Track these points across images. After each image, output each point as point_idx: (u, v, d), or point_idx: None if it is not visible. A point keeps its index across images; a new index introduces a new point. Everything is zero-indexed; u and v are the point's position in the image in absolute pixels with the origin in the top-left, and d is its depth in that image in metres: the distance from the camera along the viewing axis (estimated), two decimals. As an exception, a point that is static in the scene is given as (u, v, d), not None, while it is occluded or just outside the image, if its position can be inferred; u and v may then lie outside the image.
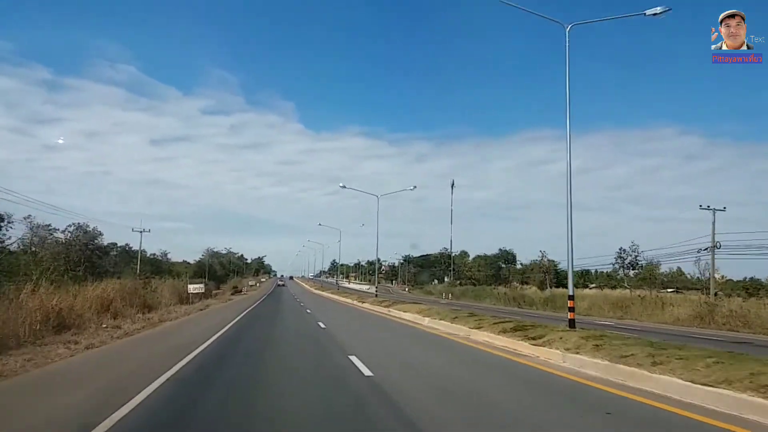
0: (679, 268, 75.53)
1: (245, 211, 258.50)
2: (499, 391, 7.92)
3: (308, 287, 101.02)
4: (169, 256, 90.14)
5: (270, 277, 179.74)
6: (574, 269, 16.31)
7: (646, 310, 33.40)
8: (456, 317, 18.28)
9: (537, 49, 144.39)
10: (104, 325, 15.62)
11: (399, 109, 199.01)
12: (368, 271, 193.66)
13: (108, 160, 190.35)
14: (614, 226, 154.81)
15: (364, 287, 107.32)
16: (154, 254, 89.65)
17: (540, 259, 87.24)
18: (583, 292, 52.06)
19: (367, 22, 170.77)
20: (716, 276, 48.78)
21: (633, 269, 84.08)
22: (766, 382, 6.36)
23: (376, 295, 42.75)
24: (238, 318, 22.80)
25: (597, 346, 9.89)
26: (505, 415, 6.51)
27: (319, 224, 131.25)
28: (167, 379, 7.96)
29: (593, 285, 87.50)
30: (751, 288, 47.26)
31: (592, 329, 13.67)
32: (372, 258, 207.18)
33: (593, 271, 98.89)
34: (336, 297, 50.44)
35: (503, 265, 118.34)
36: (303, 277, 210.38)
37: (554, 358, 10.42)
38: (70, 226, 53.04)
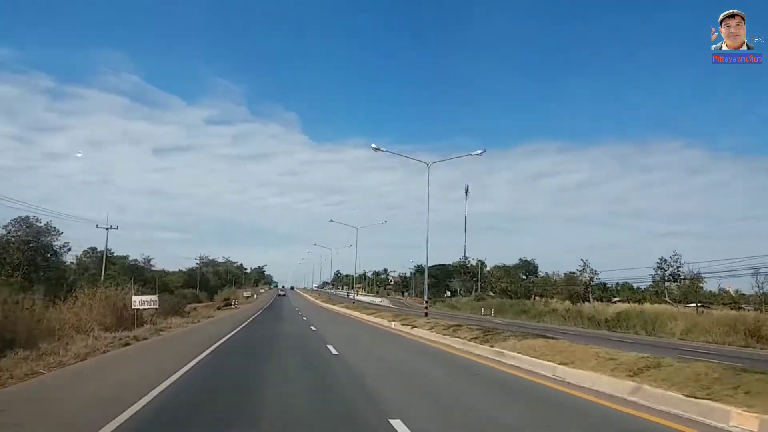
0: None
1: (247, 222, 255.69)
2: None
3: (313, 299, 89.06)
4: (153, 262, 78.57)
5: (270, 288, 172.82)
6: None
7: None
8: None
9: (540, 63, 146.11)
10: None
11: (402, 120, 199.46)
12: (375, 282, 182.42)
13: (109, 168, 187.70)
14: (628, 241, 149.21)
15: (376, 300, 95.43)
16: (136, 260, 78.05)
17: (581, 269, 75.18)
18: (670, 310, 40.57)
19: (370, 36, 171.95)
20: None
21: (674, 281, 73.49)
22: None
23: (426, 314, 29.39)
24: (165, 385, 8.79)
25: None
26: None
27: (315, 244, 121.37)
28: None
29: (617, 299, 78.92)
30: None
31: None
32: (377, 269, 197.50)
33: (613, 284, 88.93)
34: (360, 316, 34.61)
35: (524, 276, 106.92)
36: (305, 288, 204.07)
37: None
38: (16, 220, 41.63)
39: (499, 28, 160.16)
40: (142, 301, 19.90)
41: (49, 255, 42.52)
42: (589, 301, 69.53)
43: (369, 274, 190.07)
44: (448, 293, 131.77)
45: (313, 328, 24.39)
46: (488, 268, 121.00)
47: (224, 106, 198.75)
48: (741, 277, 71.65)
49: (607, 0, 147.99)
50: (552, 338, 13.27)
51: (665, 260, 68.89)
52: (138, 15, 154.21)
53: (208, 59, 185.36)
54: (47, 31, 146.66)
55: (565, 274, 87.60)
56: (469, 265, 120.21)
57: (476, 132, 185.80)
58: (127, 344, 14.07)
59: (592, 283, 74.87)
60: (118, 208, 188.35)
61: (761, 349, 23.81)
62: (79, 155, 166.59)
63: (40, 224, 42.94)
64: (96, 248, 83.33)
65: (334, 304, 55.79)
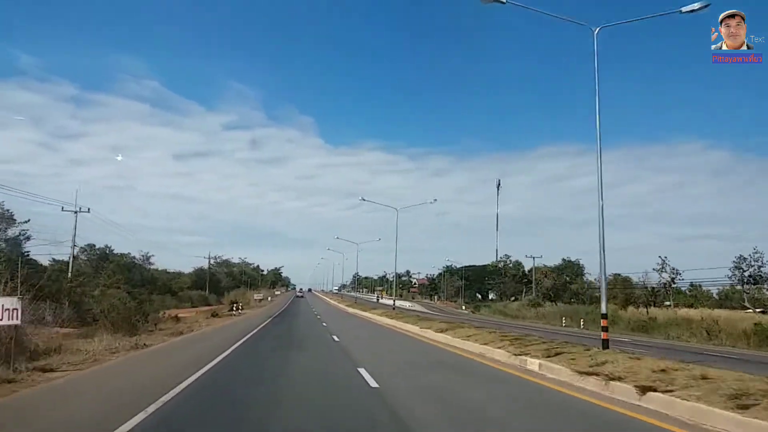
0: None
1: (264, 225, 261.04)
2: None
3: (335, 303, 77.93)
4: (152, 260, 68.13)
5: (288, 290, 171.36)
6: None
7: None
8: None
9: (558, 63, 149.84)
10: None
11: (418, 123, 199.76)
12: (398, 285, 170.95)
13: (131, 173, 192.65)
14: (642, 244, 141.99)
15: (406, 304, 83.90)
16: (134, 258, 67.75)
17: (659, 267, 62.48)
18: None
19: (386, 40, 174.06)
20: None
21: (755, 283, 61.19)
22: None
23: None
24: None
25: None
26: None
27: (337, 237, 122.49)
28: None
29: (668, 303, 65.97)
30: None
31: None
32: (398, 271, 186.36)
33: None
34: (421, 332, 22.38)
35: (567, 278, 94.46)
36: (323, 290, 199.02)
37: None
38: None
39: (516, 32, 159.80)
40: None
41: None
42: (656, 306, 57.69)
43: (389, 276, 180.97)
44: (479, 296, 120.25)
45: (367, 376, 10.48)
46: (526, 269, 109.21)
47: (241, 111, 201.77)
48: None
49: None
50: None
51: (744, 258, 57.66)
52: (156, 21, 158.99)
53: (225, 65, 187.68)
54: (68, 39, 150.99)
55: (614, 275, 75.22)
56: (501, 267, 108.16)
57: (491, 135, 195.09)
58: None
59: (673, 285, 62.49)
60: (142, 213, 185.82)
61: None
62: (119, 158, 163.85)
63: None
64: (94, 245, 73.56)
65: (365, 310, 44.37)
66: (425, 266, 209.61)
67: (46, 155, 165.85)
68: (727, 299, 66.04)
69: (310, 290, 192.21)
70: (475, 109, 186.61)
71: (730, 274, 57.28)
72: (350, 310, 53.26)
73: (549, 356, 11.61)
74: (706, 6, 13.10)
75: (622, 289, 71.68)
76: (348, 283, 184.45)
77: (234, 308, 39.67)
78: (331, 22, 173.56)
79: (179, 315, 29.25)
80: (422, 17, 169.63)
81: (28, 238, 36.59)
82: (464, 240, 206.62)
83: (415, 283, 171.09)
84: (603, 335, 13.89)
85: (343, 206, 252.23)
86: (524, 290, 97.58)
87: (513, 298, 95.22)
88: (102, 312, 17.54)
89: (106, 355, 12.42)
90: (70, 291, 25.19)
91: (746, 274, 59.10)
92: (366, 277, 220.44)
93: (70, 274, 37.13)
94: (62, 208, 41.91)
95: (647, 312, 47.10)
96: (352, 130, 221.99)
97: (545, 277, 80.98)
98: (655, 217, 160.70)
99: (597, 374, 9.13)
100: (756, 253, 55.42)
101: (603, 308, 14.96)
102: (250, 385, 9.29)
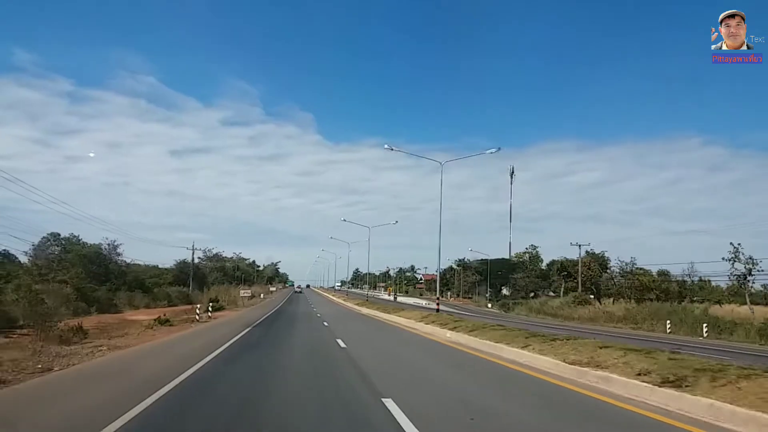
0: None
1: (263, 223, 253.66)
2: None
3: (340, 301, 66.97)
4: (120, 249, 57.24)
5: (286, 286, 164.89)
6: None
7: None
8: None
9: (554, 63, 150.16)
10: None
11: (416, 120, 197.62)
12: (401, 280, 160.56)
13: (129, 170, 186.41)
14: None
15: (422, 302, 73.38)
16: (100, 246, 57.03)
17: (732, 257, 51.94)
18: None
19: (384, 36, 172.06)
20: None
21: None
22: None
23: None
24: None
25: None
26: None
27: (331, 237, 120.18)
28: None
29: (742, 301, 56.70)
30: None
31: None
32: (402, 266, 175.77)
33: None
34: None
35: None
36: (322, 287, 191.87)
37: None
38: None
39: (514, 28, 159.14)
40: None
41: None
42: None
43: (392, 272, 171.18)
44: (498, 293, 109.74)
45: None
46: (545, 263, 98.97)
47: (240, 107, 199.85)
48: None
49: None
50: None
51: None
52: (152, 17, 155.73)
53: (222, 60, 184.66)
54: (63, 34, 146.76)
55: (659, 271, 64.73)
56: (527, 259, 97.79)
57: (490, 132, 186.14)
58: None
59: (750, 277, 51.98)
60: (139, 210, 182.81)
61: None
62: (91, 155, 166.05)
63: None
64: (59, 234, 62.80)
65: (390, 312, 32.85)
66: (427, 262, 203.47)
67: (42, 152, 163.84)
68: (737, 295, 55.45)
69: (308, 286, 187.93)
70: (475, 105, 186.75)
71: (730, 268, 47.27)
72: (362, 309, 42.08)
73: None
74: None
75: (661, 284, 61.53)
76: (347, 280, 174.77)
77: (202, 310, 28.64)
78: (330, 18, 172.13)
79: (130, 318, 18.60)
80: (422, 14, 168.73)
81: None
82: (464, 236, 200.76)
83: (420, 279, 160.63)
84: None
85: (343, 203, 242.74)
86: (545, 286, 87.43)
87: (532, 294, 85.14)
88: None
89: None
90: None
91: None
92: (368, 273, 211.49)
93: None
94: None
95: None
96: (351, 126, 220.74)
97: (588, 269, 69.82)
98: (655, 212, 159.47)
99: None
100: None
101: None
102: None
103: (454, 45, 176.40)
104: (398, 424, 5.93)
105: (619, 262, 52.17)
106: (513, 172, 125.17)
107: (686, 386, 7.28)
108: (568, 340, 12.59)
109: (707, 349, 20.15)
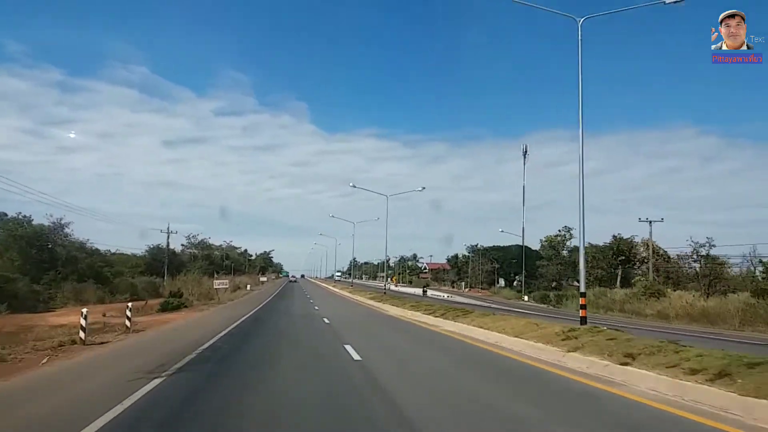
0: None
1: (258, 213, 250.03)
2: None
3: (347, 294, 55.88)
4: (70, 229, 46.47)
5: (279, 276, 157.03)
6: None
7: None
8: None
9: (552, 50, 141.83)
10: None
11: (414, 110, 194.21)
12: (403, 269, 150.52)
13: (121, 161, 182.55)
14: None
15: (443, 295, 63.10)
16: (42, 226, 46.31)
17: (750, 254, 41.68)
18: None
19: (380, 25, 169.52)
20: None
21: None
22: None
23: None
24: None
25: None
26: None
27: (331, 215, 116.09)
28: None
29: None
30: None
31: None
32: (403, 254, 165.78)
33: None
34: None
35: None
36: (318, 277, 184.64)
37: None
38: None
39: (509, 17, 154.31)
40: None
41: None
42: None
43: (392, 262, 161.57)
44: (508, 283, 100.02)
45: None
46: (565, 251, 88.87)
47: (233, 96, 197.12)
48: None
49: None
50: None
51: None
52: (145, 6, 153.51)
53: (215, 50, 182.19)
54: (53, 23, 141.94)
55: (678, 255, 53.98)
56: (560, 243, 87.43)
57: (487, 121, 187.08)
58: None
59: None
60: (133, 200, 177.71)
61: None
62: (72, 135, 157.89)
63: None
64: (6, 214, 52.51)
65: (459, 318, 18.64)
66: (430, 251, 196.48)
67: (34, 143, 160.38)
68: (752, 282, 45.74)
69: (303, 276, 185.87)
70: (471, 95, 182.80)
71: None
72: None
73: None
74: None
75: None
76: (344, 269, 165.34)
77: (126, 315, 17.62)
78: (324, 7, 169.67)
79: (50, 322, 10.39)
80: (417, 3, 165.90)
81: None
82: (462, 226, 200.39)
83: (424, 268, 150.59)
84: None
85: (339, 193, 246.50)
86: (570, 275, 77.49)
87: (554, 284, 75.17)
88: None
89: None
90: None
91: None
92: (366, 263, 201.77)
93: None
94: None
95: None
96: (347, 116, 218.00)
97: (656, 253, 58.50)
98: (649, 202, 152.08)
99: None
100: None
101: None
102: None
103: (450, 33, 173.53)
104: None
105: (692, 244, 41.80)
106: (526, 151, 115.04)
107: None
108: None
109: None
